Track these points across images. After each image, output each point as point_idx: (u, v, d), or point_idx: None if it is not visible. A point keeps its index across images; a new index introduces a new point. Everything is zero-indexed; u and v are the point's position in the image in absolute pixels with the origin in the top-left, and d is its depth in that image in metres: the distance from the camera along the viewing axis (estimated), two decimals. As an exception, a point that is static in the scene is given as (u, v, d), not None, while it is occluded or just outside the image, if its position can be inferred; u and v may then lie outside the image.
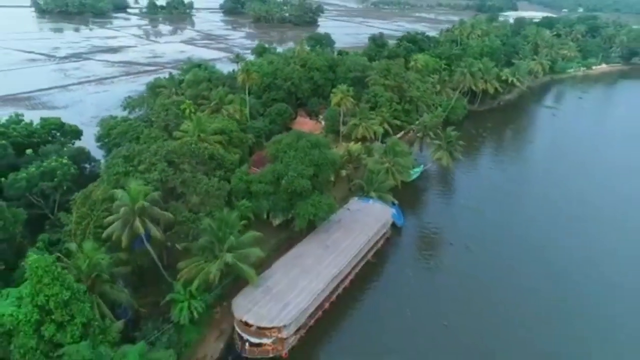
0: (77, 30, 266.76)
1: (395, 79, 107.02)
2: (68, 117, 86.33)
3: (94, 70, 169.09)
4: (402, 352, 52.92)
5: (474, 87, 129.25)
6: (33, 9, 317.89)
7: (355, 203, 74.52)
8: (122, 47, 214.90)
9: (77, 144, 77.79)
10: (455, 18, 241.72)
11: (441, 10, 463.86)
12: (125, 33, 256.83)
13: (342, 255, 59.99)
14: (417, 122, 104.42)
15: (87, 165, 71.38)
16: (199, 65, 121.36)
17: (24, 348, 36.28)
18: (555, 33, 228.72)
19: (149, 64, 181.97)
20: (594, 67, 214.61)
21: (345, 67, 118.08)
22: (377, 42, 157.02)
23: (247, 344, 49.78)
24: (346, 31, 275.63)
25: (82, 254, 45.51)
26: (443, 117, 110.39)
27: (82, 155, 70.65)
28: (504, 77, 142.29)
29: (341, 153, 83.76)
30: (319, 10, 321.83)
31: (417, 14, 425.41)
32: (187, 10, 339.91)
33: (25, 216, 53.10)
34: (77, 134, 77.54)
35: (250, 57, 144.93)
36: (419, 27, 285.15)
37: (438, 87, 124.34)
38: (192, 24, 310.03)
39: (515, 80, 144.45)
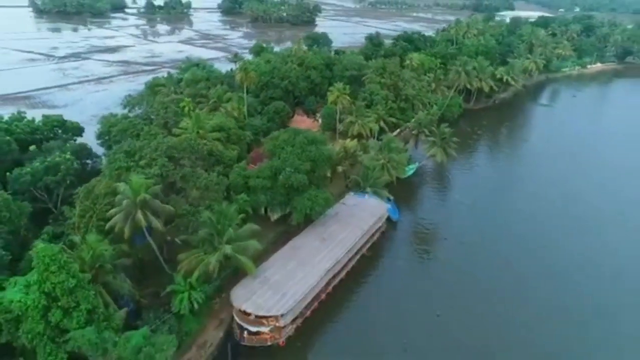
0: (75, 30, 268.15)
1: (390, 77, 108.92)
2: (68, 116, 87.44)
3: (92, 70, 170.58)
4: (395, 344, 54.35)
5: (469, 86, 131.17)
6: (31, 9, 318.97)
7: (351, 198, 76.20)
8: (120, 47, 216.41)
9: (78, 141, 79.26)
10: (452, 18, 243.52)
11: (438, 10, 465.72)
12: (123, 33, 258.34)
13: (338, 248, 61.69)
14: (412, 120, 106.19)
15: (89, 161, 72.95)
16: (197, 65, 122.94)
17: (31, 333, 37.86)
18: (550, 32, 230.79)
19: (147, 64, 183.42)
20: (588, 66, 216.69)
21: (342, 65, 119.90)
22: (374, 41, 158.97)
23: (245, 332, 51.42)
24: (344, 31, 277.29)
25: (86, 245, 47.05)
26: (438, 115, 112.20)
27: (84, 151, 72.35)
28: (498, 76, 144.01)
29: (337, 150, 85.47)
30: (317, 10, 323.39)
31: (414, 14, 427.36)
32: (185, 10, 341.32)
33: (30, 209, 54.78)
34: (78, 130, 79.15)
35: (248, 57, 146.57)
36: (416, 27, 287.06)
37: (433, 85, 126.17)
38: (190, 23, 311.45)
39: (509, 78, 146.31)
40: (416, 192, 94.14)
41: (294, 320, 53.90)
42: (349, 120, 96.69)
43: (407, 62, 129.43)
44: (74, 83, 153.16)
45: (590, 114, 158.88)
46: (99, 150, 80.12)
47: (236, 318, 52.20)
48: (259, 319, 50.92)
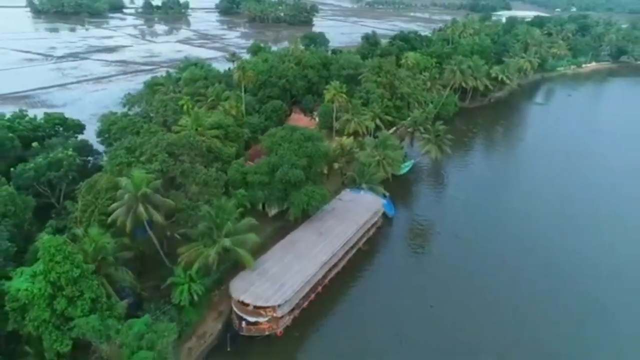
0: (73, 30, 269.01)
1: (386, 76, 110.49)
2: (68, 115, 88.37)
3: (91, 70, 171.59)
4: (390, 335, 55.86)
5: (464, 85, 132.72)
6: (29, 9, 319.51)
7: (347, 194, 77.74)
8: (118, 47, 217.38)
9: (79, 138, 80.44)
10: (449, 17, 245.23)
11: (435, 10, 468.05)
12: (121, 33, 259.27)
13: (334, 242, 63.22)
14: (408, 118, 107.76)
15: (90, 158, 74.35)
16: (195, 64, 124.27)
17: (37, 320, 39.29)
18: (546, 32, 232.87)
19: (145, 63, 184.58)
20: (583, 65, 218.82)
21: (339, 65, 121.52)
22: (370, 40, 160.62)
23: (244, 322, 52.86)
24: (341, 30, 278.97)
25: (89, 238, 48.44)
26: (434, 114, 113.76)
27: (86, 148, 73.79)
28: (493, 75, 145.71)
29: (334, 147, 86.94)
30: (314, 10, 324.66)
31: (411, 14, 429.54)
32: (183, 10, 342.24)
33: (34, 203, 56.18)
34: (79, 128, 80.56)
35: (246, 56, 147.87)
36: (413, 27, 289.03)
37: (428, 84, 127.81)
38: (188, 23, 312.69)
39: (504, 77, 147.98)
40: (412, 188, 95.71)
41: (291, 311, 55.38)
42: (346, 118, 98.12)
43: (403, 61, 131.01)
44: (72, 83, 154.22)
45: (585, 112, 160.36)
46: (99, 148, 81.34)
47: (235, 309, 53.67)
48: (257, 310, 52.39)
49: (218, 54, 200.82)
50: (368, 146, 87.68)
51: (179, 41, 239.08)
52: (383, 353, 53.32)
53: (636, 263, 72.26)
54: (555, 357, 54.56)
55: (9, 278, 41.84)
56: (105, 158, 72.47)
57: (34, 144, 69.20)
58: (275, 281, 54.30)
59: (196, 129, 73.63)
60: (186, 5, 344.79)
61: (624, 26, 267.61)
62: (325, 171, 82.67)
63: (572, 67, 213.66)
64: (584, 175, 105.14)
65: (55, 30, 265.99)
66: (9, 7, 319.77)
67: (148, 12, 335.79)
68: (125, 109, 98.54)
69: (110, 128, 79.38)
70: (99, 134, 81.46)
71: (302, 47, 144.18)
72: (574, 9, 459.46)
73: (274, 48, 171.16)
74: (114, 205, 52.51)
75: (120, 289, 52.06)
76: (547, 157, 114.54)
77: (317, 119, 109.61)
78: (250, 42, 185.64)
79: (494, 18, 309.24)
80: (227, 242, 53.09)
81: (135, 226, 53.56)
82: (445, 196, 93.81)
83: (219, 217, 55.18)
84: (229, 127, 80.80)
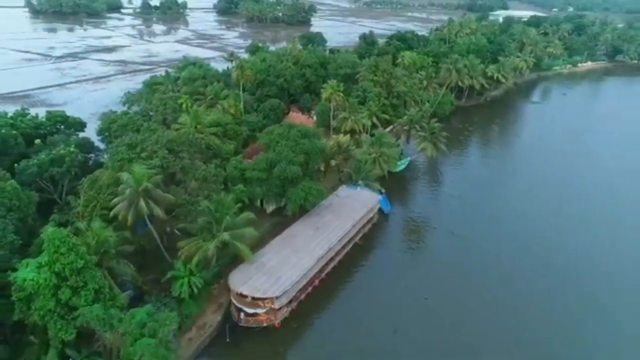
0: (71, 30, 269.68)
1: (383, 75, 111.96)
2: (68, 114, 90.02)
3: (90, 69, 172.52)
4: (383, 326, 57.21)
5: (460, 83, 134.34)
6: (27, 9, 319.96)
7: (343, 190, 79.17)
8: (117, 47, 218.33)
9: (80, 136, 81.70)
10: (447, 17, 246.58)
11: (433, 10, 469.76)
12: (119, 33, 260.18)
13: (331, 236, 64.62)
14: (404, 117, 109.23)
15: (91, 155, 75.62)
16: (194, 64, 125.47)
17: (43, 310, 40.57)
18: (542, 31, 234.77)
19: (144, 63, 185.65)
20: (579, 65, 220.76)
21: (336, 64, 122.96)
22: (367, 40, 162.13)
23: (242, 314, 54.27)
24: (339, 30, 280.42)
25: (91, 232, 49.70)
26: (430, 112, 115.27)
27: (87, 145, 75.07)
28: (489, 74, 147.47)
29: (331, 144, 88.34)
30: (312, 10, 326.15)
31: (409, 14, 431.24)
32: (181, 10, 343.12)
33: (37, 198, 57.50)
34: (81, 125, 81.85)
35: (244, 56, 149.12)
36: (411, 27, 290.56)
37: (425, 83, 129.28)
38: (186, 23, 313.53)
39: (500, 76, 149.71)
40: (408, 186, 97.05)
41: (289, 303, 56.82)
42: (343, 116, 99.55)
43: (400, 60, 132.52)
44: (71, 82, 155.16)
45: (581, 111, 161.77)
46: (99, 146, 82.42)
47: (234, 300, 55.05)
48: (256, 301, 53.73)
49: (216, 53, 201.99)
50: (364, 144, 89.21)
51: (177, 41, 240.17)
52: (377, 343, 54.62)
53: (636, 262, 72.79)
54: (555, 357, 54.86)
55: (15, 270, 43.07)
56: (106, 155, 73.78)
57: (37, 141, 70.53)
58: (273, 274, 55.69)
59: (195, 127, 74.97)
60: (184, 5, 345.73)
61: (619, 26, 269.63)
62: (323, 168, 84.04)
63: (568, 66, 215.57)
64: (581, 174, 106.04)
65: (53, 30, 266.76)
66: (7, 7, 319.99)
67: (146, 12, 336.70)
68: (125, 108, 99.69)
69: (111, 126, 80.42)
70: (100, 132, 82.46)
71: (300, 47, 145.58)
72: (570, 9, 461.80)
73: (272, 48, 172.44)
74: (116, 199, 53.78)
75: (121, 283, 53.12)
76: (543, 155, 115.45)
77: (314, 118, 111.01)
78: (249, 42, 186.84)
79: (491, 18, 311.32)
80: (226, 235, 54.40)
81: (136, 221, 54.86)
82: (441, 194, 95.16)
83: (218, 211, 56.52)
84: (228, 125, 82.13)
